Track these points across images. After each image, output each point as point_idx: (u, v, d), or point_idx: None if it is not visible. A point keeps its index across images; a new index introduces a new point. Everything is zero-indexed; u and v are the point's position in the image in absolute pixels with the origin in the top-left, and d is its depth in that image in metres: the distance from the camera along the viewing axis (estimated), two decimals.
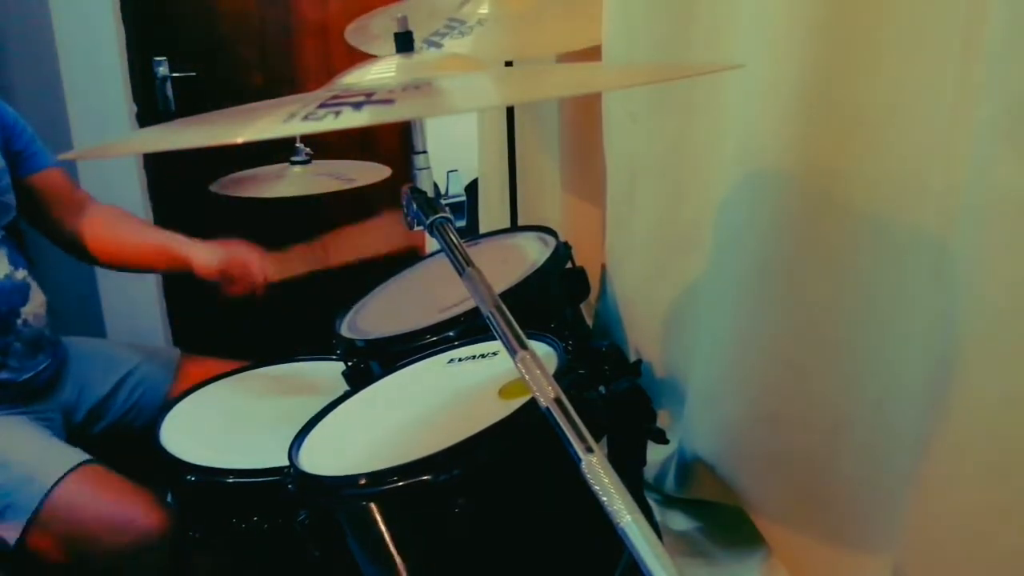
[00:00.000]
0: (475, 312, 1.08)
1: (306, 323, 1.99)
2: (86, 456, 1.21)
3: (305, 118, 0.61)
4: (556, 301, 1.22)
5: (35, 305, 1.32)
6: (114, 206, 1.48)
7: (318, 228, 1.89)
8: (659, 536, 0.53)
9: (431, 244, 1.37)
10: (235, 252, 1.32)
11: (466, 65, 0.84)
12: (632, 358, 1.41)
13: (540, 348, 0.95)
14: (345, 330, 1.23)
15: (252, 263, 1.31)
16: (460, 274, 0.71)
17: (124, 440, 1.43)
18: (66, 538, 1.14)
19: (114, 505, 1.16)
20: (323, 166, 1.78)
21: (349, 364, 1.14)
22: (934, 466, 0.91)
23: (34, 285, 1.33)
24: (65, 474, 1.16)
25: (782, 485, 1.18)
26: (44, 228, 1.41)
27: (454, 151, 2.23)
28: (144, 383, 1.45)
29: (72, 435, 1.36)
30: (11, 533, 1.14)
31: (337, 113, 0.61)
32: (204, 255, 1.31)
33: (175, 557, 1.15)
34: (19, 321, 1.29)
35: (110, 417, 1.41)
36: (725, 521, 1.35)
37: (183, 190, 2.35)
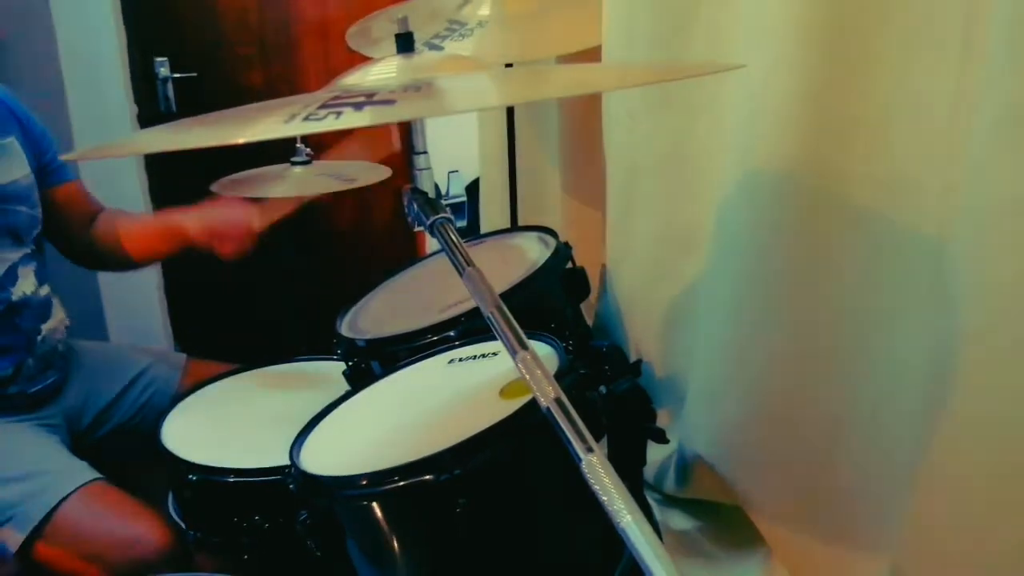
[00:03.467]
0: (475, 312, 1.08)
1: (306, 323, 1.99)
2: (94, 474, 1.21)
3: (307, 119, 0.62)
4: (556, 301, 1.22)
5: (55, 322, 1.32)
6: (114, 209, 1.48)
7: (318, 228, 1.90)
8: (659, 536, 0.53)
9: (432, 244, 1.37)
10: (220, 208, 1.36)
11: (466, 66, 0.85)
12: (632, 358, 1.41)
13: (540, 348, 0.95)
14: (346, 330, 1.23)
15: (237, 214, 1.35)
16: (461, 274, 0.71)
17: (128, 441, 1.43)
18: (70, 553, 1.14)
19: (119, 524, 1.16)
20: (324, 166, 1.78)
21: (350, 364, 1.14)
22: (934, 466, 0.91)
23: (56, 302, 1.34)
24: (72, 491, 1.17)
25: (782, 485, 1.18)
26: (59, 241, 1.41)
27: (454, 151, 2.23)
28: (151, 387, 1.45)
29: (78, 438, 1.36)
30: (13, 545, 1.14)
31: (338, 114, 0.62)
32: (194, 220, 1.35)
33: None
34: (39, 338, 1.29)
35: (116, 420, 1.41)
36: (725, 521, 1.35)
37: (184, 190, 2.35)
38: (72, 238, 1.41)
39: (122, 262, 1.43)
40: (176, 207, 1.41)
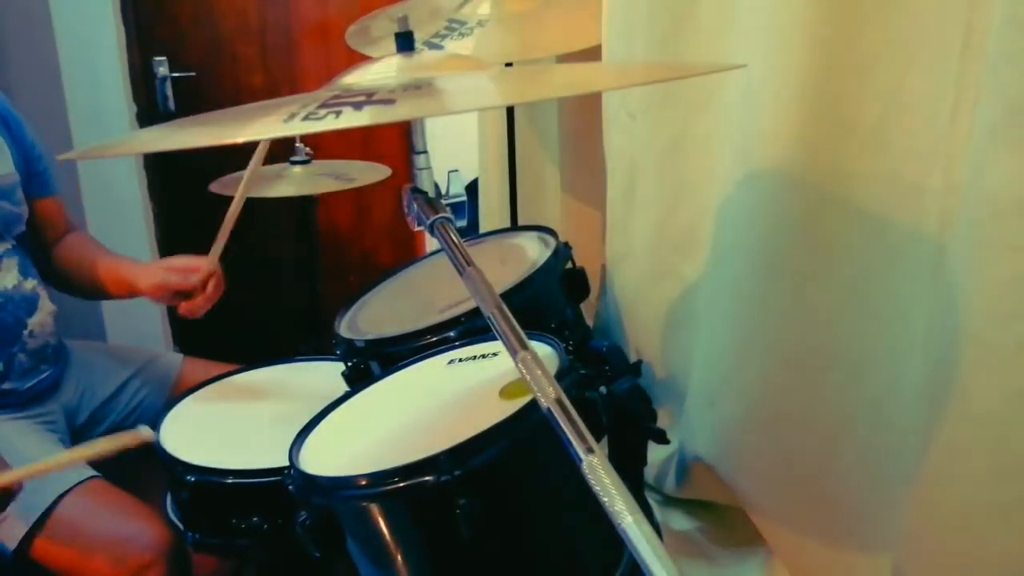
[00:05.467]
0: (475, 312, 1.08)
1: (306, 323, 1.99)
2: (92, 471, 1.21)
3: (306, 118, 0.61)
4: (556, 301, 1.22)
5: (43, 315, 1.32)
6: (82, 234, 1.47)
7: (318, 228, 1.90)
8: (660, 537, 0.53)
9: (431, 244, 1.37)
10: (172, 263, 1.31)
11: (466, 65, 0.85)
12: (632, 358, 1.41)
13: (541, 348, 0.95)
14: (345, 330, 1.23)
15: (191, 268, 1.29)
16: (461, 274, 0.71)
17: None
18: (67, 550, 1.14)
19: (116, 521, 1.16)
20: (323, 166, 1.78)
21: (349, 365, 1.14)
22: (934, 466, 0.91)
23: (43, 295, 1.33)
24: (70, 488, 1.16)
25: (782, 485, 1.18)
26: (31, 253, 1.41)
27: (454, 151, 2.23)
28: (146, 387, 1.45)
29: (74, 438, 1.36)
30: (11, 542, 1.14)
31: (338, 113, 0.61)
32: (145, 276, 1.30)
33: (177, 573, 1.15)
34: (25, 332, 1.29)
35: (112, 420, 1.41)
36: (725, 521, 1.36)
37: (183, 190, 2.35)
38: (38, 252, 1.40)
39: (70, 290, 1.42)
40: (181, 229, 1.37)
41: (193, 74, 2.48)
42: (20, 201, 1.32)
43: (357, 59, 0.97)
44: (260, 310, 2.64)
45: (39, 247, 1.40)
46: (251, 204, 1.66)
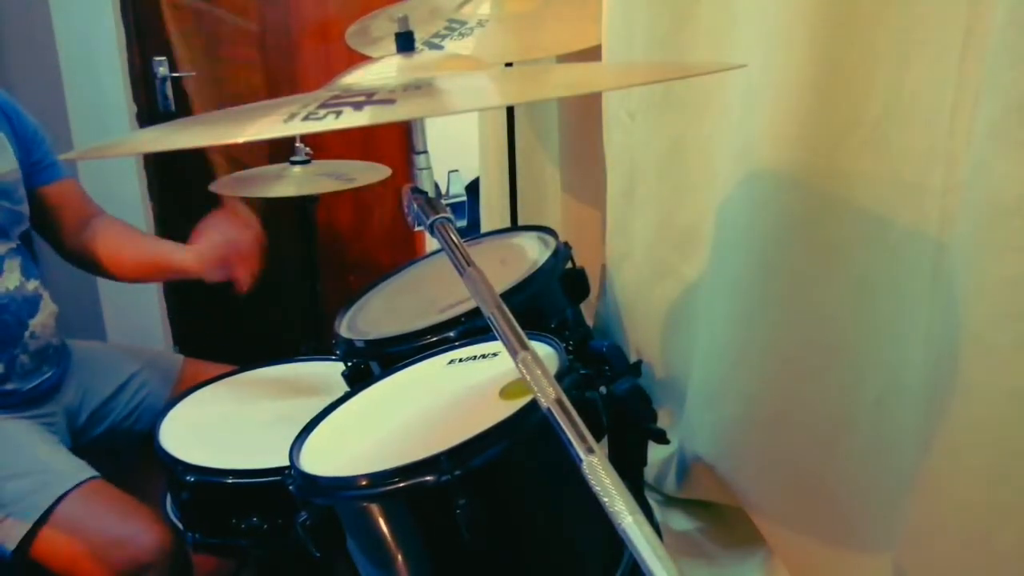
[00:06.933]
0: (475, 312, 1.08)
1: (306, 323, 1.99)
2: (92, 472, 1.21)
3: (306, 118, 0.61)
4: (556, 301, 1.22)
5: (44, 317, 1.32)
6: (119, 219, 1.46)
7: (318, 229, 1.91)
8: (660, 537, 0.53)
9: (431, 244, 1.37)
10: (213, 232, 1.28)
11: (466, 65, 0.85)
12: (632, 358, 1.41)
13: (541, 349, 0.95)
14: (345, 330, 1.23)
15: (234, 230, 1.27)
16: (461, 274, 0.71)
17: (124, 442, 1.42)
18: (67, 551, 1.14)
19: (116, 522, 1.16)
20: (323, 166, 1.78)
21: (349, 365, 1.14)
22: (934, 465, 0.91)
23: (45, 296, 1.33)
24: (70, 489, 1.16)
25: (782, 485, 1.18)
26: (52, 239, 1.41)
27: (454, 151, 2.23)
28: (146, 387, 1.45)
29: (74, 438, 1.36)
30: (10, 542, 1.14)
31: (338, 113, 0.62)
32: (193, 257, 1.28)
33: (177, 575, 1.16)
34: (27, 333, 1.29)
35: (111, 420, 1.41)
36: (725, 521, 1.35)
37: (183, 190, 2.36)
38: (62, 238, 1.40)
39: (106, 275, 1.41)
40: (182, 229, 1.33)
41: (193, 74, 2.48)
42: (21, 199, 1.32)
43: (357, 58, 0.97)
44: (260, 310, 2.64)
45: (60, 233, 1.40)
46: (251, 204, 1.66)
